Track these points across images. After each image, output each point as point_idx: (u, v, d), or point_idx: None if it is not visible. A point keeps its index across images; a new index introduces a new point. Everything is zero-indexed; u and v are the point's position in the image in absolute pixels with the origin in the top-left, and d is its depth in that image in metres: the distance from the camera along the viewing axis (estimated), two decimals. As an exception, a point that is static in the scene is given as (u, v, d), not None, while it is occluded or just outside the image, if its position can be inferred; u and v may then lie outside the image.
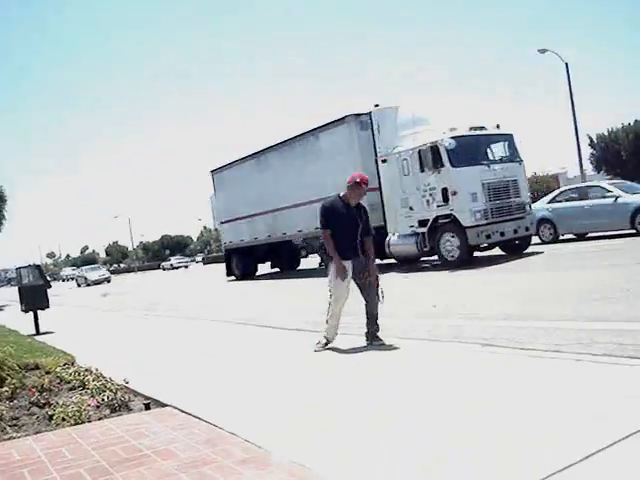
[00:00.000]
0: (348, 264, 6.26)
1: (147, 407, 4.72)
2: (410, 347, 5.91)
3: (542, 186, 66.27)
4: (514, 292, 9.31)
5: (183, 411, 4.45)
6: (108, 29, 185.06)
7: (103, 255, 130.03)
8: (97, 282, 47.86)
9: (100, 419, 4.52)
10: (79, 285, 50.30)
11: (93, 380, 5.40)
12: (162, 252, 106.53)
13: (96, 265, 66.96)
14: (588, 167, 50.91)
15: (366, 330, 6.35)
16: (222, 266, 25.53)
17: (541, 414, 3.44)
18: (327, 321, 6.41)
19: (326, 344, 6.36)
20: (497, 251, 15.99)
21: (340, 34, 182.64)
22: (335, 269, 6.21)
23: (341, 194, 6.39)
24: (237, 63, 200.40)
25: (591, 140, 52.02)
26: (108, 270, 63.52)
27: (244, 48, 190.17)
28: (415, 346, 5.95)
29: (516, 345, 5.42)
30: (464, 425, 3.42)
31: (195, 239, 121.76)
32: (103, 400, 4.83)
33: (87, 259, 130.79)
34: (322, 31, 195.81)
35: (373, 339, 6.27)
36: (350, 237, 6.26)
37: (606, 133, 51.81)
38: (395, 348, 5.95)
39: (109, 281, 49.35)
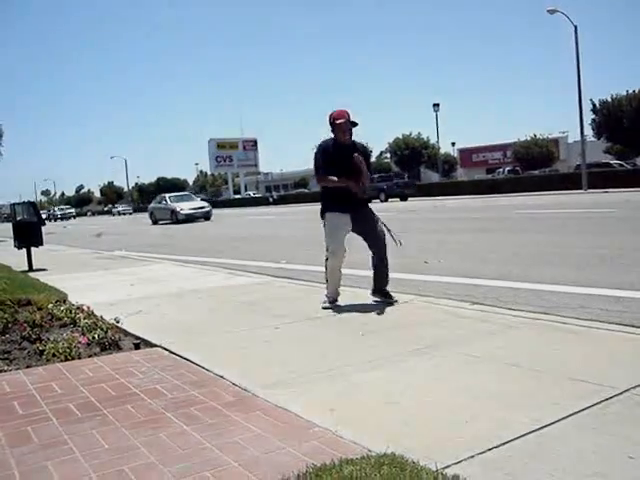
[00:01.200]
0: (346, 218, 5.85)
1: (137, 347, 4.77)
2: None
3: (542, 149, 66.26)
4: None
5: (172, 352, 4.51)
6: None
7: (98, 195, 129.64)
8: (192, 217, 33.54)
9: (90, 357, 4.58)
10: (155, 222, 35.82)
11: (84, 318, 5.44)
12: (157, 194, 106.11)
13: (186, 193, 45.24)
14: (589, 133, 50.64)
15: (373, 286, 6.01)
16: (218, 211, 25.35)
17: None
18: (327, 279, 6.00)
19: (333, 302, 5.94)
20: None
21: None
22: (327, 221, 5.91)
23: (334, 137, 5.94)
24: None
25: (594, 106, 51.64)
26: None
27: None
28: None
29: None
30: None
31: (191, 183, 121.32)
32: (94, 338, 4.87)
33: (82, 198, 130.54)
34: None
35: (384, 296, 5.91)
36: (348, 179, 5.75)
37: (609, 99, 51.35)
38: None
39: (208, 218, 33.93)
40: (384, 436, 2.72)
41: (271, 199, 65.70)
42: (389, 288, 6.00)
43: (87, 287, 8.45)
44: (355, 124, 5.88)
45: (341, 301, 5.99)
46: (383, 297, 5.93)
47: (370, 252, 5.98)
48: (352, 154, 5.71)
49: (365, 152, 6.07)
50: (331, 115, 5.88)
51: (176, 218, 33.37)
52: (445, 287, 6.76)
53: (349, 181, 5.73)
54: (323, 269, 6.04)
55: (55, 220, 65.43)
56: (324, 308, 5.82)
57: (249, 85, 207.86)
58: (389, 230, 5.97)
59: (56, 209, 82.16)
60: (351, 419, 2.98)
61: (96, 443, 2.86)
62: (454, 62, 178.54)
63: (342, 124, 5.79)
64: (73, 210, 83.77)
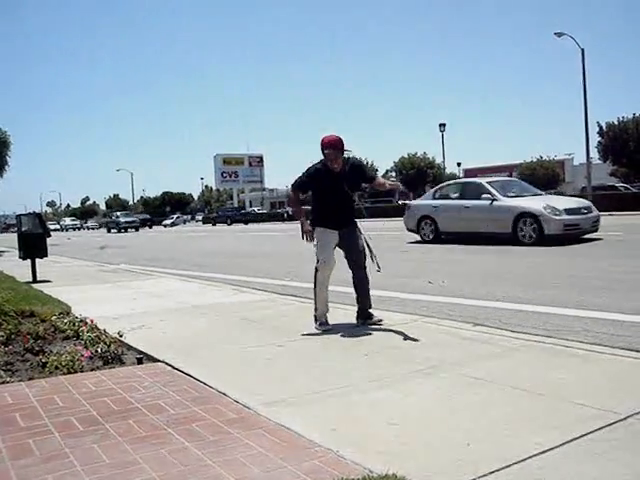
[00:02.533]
0: (333, 234, 5.85)
1: (139, 362, 4.78)
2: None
3: (548, 171, 66.29)
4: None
5: (175, 368, 4.52)
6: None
7: (103, 207, 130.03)
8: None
9: (93, 370, 4.58)
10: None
11: (87, 331, 5.44)
12: (162, 208, 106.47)
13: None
14: (595, 155, 50.69)
15: (357, 309, 5.96)
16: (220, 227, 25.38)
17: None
18: (315, 294, 5.89)
19: (323, 323, 5.80)
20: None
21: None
22: (302, 231, 5.86)
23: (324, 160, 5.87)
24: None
25: (600, 128, 51.72)
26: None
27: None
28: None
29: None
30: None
31: (196, 197, 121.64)
32: (96, 351, 4.88)
33: (87, 210, 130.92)
34: None
35: (366, 318, 5.89)
36: (339, 207, 5.84)
37: (616, 122, 51.42)
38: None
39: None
40: (385, 457, 2.72)
41: (286, 215, 59.99)
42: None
43: (91, 300, 8.47)
44: (347, 150, 5.86)
45: (336, 319, 5.97)
46: (363, 320, 5.88)
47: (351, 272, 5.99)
48: (341, 181, 5.77)
49: (359, 169, 6.06)
50: (322, 141, 5.81)
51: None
52: (448, 308, 6.74)
53: (305, 222, 5.82)
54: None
55: (66, 230, 76.71)
56: (320, 331, 5.70)
57: (256, 101, 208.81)
58: (372, 252, 5.97)
59: (67, 219, 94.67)
60: (352, 439, 2.98)
61: (97, 457, 2.86)
62: (461, 83, 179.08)
63: (329, 154, 5.77)
64: (78, 222, 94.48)
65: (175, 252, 21.26)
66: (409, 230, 17.23)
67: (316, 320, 5.86)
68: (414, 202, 18.43)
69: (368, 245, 6.00)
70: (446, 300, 7.24)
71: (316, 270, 5.93)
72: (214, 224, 59.11)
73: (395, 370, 4.22)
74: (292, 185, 6.04)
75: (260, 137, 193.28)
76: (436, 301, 7.22)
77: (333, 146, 5.76)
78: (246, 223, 55.01)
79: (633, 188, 44.76)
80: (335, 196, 5.83)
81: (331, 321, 5.87)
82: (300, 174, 5.98)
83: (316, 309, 5.90)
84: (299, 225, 5.90)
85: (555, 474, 2.51)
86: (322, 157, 5.86)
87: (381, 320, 5.89)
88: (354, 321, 5.93)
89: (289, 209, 61.58)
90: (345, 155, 5.89)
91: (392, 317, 6.08)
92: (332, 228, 5.87)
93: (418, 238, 16.72)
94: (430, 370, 4.17)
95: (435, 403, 3.51)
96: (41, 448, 3.01)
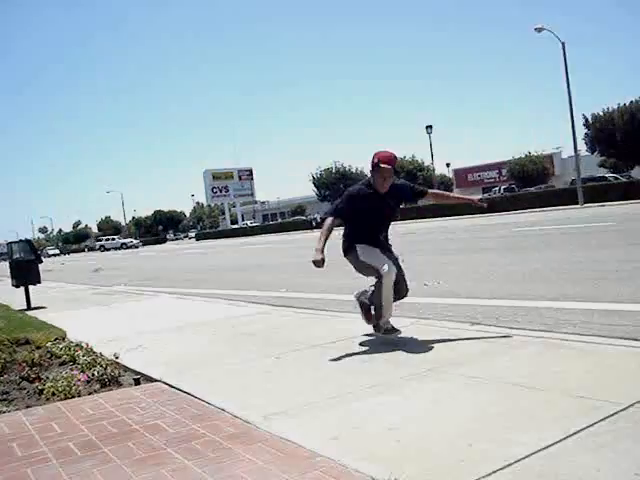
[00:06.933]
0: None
1: (137, 382, 4.74)
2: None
3: (537, 166, 66.59)
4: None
5: (173, 386, 4.48)
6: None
7: (95, 230, 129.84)
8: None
9: (90, 394, 4.54)
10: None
11: (83, 355, 5.40)
12: (155, 227, 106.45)
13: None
14: (582, 147, 50.94)
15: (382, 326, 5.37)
16: (213, 242, 25.45)
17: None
18: (381, 304, 5.21)
19: (390, 329, 5.35)
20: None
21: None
22: (359, 252, 5.25)
23: (371, 180, 5.33)
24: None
25: (586, 120, 52.02)
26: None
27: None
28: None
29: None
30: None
31: (188, 214, 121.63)
32: (93, 375, 4.84)
33: (80, 234, 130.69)
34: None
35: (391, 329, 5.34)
36: (379, 229, 5.42)
37: (601, 113, 51.69)
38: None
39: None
40: (387, 463, 2.69)
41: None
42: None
43: (86, 323, 8.42)
44: (397, 172, 5.33)
45: (333, 327, 5.92)
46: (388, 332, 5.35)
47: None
48: (387, 202, 5.29)
49: (404, 185, 5.55)
50: (376, 155, 5.23)
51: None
52: (445, 309, 6.73)
53: (319, 253, 5.05)
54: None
55: (68, 254, 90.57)
56: (394, 336, 5.29)
57: (244, 114, 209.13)
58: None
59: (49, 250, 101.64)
60: (354, 447, 2.95)
61: (97, 482, 2.83)
62: (447, 83, 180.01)
63: (387, 170, 5.17)
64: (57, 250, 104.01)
65: (168, 271, 21.22)
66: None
67: (380, 329, 5.37)
68: None
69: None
70: (442, 301, 7.22)
71: (379, 280, 5.15)
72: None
73: (395, 374, 4.19)
74: (329, 212, 5.41)
75: (250, 152, 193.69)
76: (433, 302, 7.20)
77: (390, 162, 5.20)
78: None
79: (623, 177, 44.98)
80: (378, 219, 5.38)
81: (330, 329, 5.84)
82: (338, 199, 5.47)
83: (383, 318, 5.30)
84: (314, 251, 5.12)
85: (559, 469, 2.48)
86: (369, 175, 5.38)
87: (399, 331, 5.36)
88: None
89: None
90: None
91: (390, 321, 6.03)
92: (372, 245, 5.30)
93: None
94: (428, 372, 4.15)
95: (435, 405, 3.49)
96: (39, 476, 2.97)
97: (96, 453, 3.23)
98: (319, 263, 5.05)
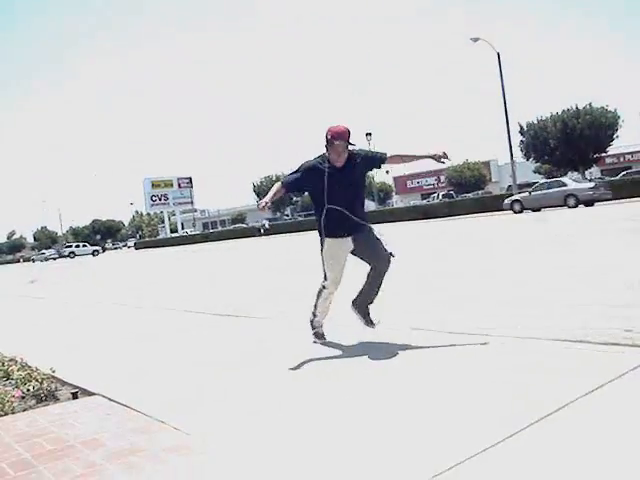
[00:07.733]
0: (346, 242, 5.25)
1: (75, 396, 4.60)
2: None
3: (474, 172, 68.03)
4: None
5: (111, 399, 4.37)
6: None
7: (31, 240, 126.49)
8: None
9: (25, 410, 4.38)
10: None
11: (18, 370, 5.21)
12: (93, 237, 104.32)
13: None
14: (518, 154, 52.24)
15: (360, 304, 5.41)
16: (155, 251, 25.06)
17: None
18: (315, 305, 5.44)
19: (320, 334, 5.49)
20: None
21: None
22: (325, 249, 5.26)
23: (326, 155, 5.17)
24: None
25: (521, 128, 53.42)
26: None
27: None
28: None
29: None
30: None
31: (127, 223, 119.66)
32: (28, 390, 4.67)
33: (14, 244, 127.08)
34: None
35: (366, 315, 5.41)
36: (344, 205, 5.14)
37: (535, 121, 53.17)
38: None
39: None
40: None
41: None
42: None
43: (21, 336, 8.15)
44: (351, 144, 5.16)
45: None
46: (363, 317, 5.43)
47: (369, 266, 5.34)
48: (348, 177, 5.14)
49: (365, 155, 5.33)
50: (329, 130, 5.07)
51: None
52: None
53: (268, 201, 5.04)
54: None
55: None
56: (319, 342, 5.44)
57: (184, 122, 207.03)
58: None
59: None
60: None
61: (31, 502, 2.73)
62: (385, 88, 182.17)
63: (339, 145, 5.06)
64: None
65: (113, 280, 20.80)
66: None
67: (313, 328, 5.52)
68: None
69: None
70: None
71: (323, 287, 5.36)
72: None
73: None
74: (282, 181, 5.36)
75: (189, 161, 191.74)
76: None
77: (342, 137, 5.06)
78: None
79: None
80: (342, 196, 5.14)
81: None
82: (292, 171, 5.35)
83: (315, 315, 5.49)
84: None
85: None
86: (325, 151, 5.19)
87: (378, 322, 5.45)
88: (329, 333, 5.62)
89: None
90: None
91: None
92: (343, 236, 5.24)
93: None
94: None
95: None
96: (-30, 499, 2.85)
97: (30, 472, 3.12)
98: (263, 204, 4.98)
